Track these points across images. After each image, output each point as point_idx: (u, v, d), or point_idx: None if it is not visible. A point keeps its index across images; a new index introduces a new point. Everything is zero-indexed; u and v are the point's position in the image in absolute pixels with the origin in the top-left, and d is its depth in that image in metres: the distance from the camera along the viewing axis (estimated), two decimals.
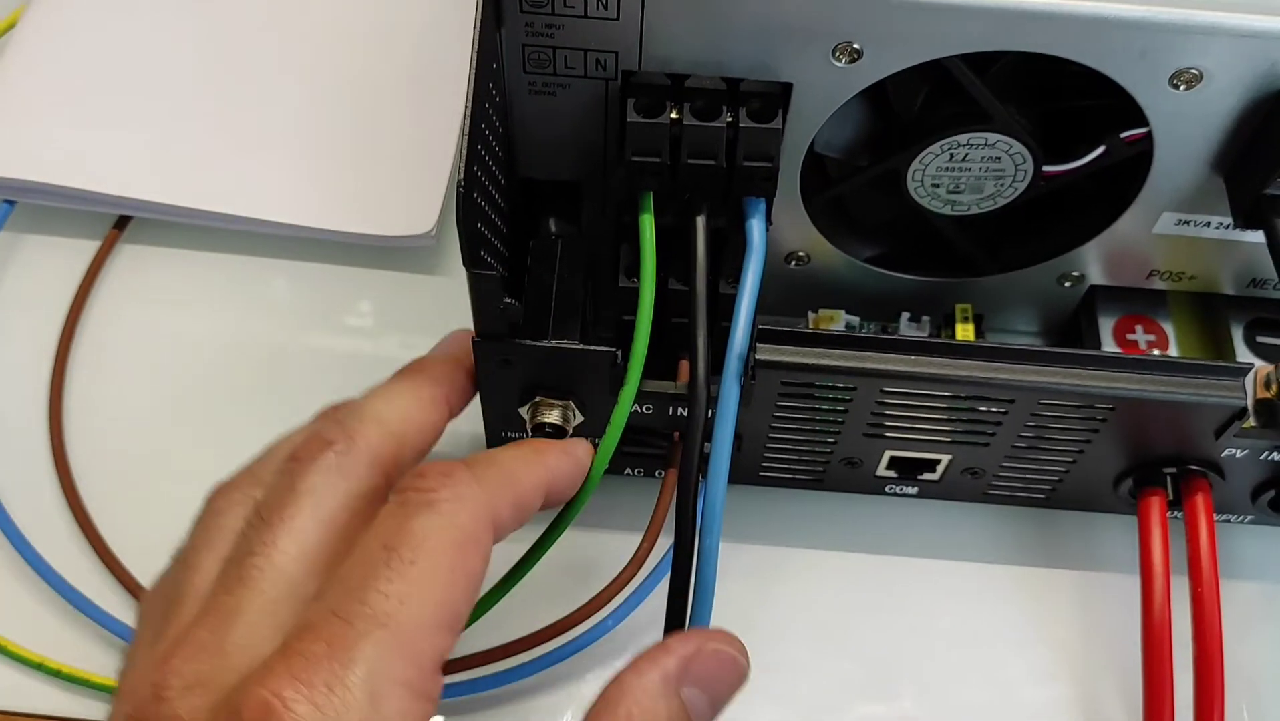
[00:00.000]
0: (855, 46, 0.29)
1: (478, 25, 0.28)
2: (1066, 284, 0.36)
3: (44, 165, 0.41)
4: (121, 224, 0.42)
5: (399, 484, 0.26)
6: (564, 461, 0.29)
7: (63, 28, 0.44)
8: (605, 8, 0.29)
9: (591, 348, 0.31)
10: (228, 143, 0.42)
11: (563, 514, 0.31)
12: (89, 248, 0.42)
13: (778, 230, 0.35)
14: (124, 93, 0.43)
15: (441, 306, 0.41)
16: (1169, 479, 0.34)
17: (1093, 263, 0.36)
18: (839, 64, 0.29)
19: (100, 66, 0.44)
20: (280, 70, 0.44)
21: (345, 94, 0.43)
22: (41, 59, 0.43)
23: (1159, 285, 0.36)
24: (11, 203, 0.42)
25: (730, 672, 0.27)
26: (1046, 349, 0.31)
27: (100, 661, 0.34)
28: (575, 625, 0.33)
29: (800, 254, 0.36)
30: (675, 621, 0.30)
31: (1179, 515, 0.34)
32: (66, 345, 0.40)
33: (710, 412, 0.30)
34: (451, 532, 0.25)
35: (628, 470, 0.36)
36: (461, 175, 0.27)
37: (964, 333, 0.36)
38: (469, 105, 0.27)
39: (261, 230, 0.41)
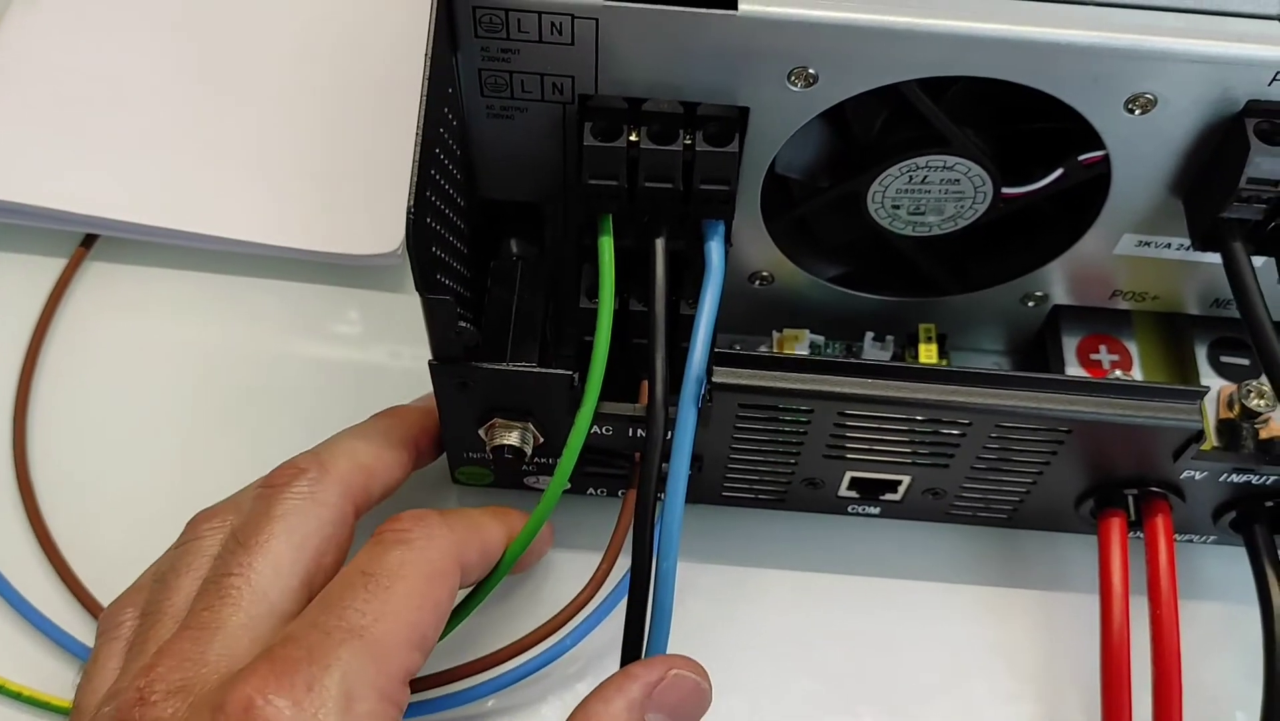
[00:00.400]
0: (810, 71, 0.29)
1: (429, 50, 0.27)
2: (1030, 303, 0.37)
3: (11, 184, 0.41)
4: (89, 242, 0.42)
5: (379, 527, 0.29)
6: (521, 523, 0.31)
7: (31, 47, 0.44)
8: (560, 33, 0.29)
9: (548, 370, 0.31)
10: (195, 161, 0.42)
11: (519, 539, 0.31)
12: (55, 265, 0.42)
13: (741, 250, 0.35)
14: (92, 112, 0.43)
15: (408, 325, 0.41)
16: (1130, 499, 0.34)
17: (1056, 283, 0.36)
18: (795, 88, 0.29)
19: (68, 86, 0.44)
20: (247, 89, 0.44)
21: (312, 113, 0.43)
22: (10, 78, 0.43)
23: (1123, 305, 0.37)
24: None
25: (695, 698, 0.28)
26: (1003, 372, 0.31)
27: (60, 682, 0.34)
28: (534, 645, 0.33)
29: (764, 274, 0.36)
30: (633, 643, 0.30)
31: (1140, 535, 0.34)
32: (32, 363, 0.40)
33: (669, 434, 0.30)
34: (424, 566, 0.27)
35: (590, 490, 0.36)
36: (411, 201, 0.27)
37: (927, 353, 0.36)
38: (420, 130, 0.27)
39: (228, 249, 0.41)
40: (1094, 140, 0.31)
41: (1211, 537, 0.36)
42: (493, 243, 0.35)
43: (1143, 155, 0.31)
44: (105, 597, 0.35)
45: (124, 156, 0.42)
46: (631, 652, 0.30)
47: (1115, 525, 0.33)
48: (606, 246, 0.31)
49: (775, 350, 0.37)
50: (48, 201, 0.41)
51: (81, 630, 0.35)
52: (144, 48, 0.45)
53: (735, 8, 0.28)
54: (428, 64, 0.27)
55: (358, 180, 0.42)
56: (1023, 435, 0.31)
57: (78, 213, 0.41)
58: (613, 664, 0.34)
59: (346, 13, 0.46)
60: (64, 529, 0.37)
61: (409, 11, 0.46)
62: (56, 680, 0.34)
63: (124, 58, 0.44)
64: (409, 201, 0.27)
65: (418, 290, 0.28)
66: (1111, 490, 0.33)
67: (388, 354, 0.40)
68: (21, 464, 0.38)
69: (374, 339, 0.41)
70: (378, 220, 0.41)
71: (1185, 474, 0.32)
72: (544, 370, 0.31)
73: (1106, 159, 0.31)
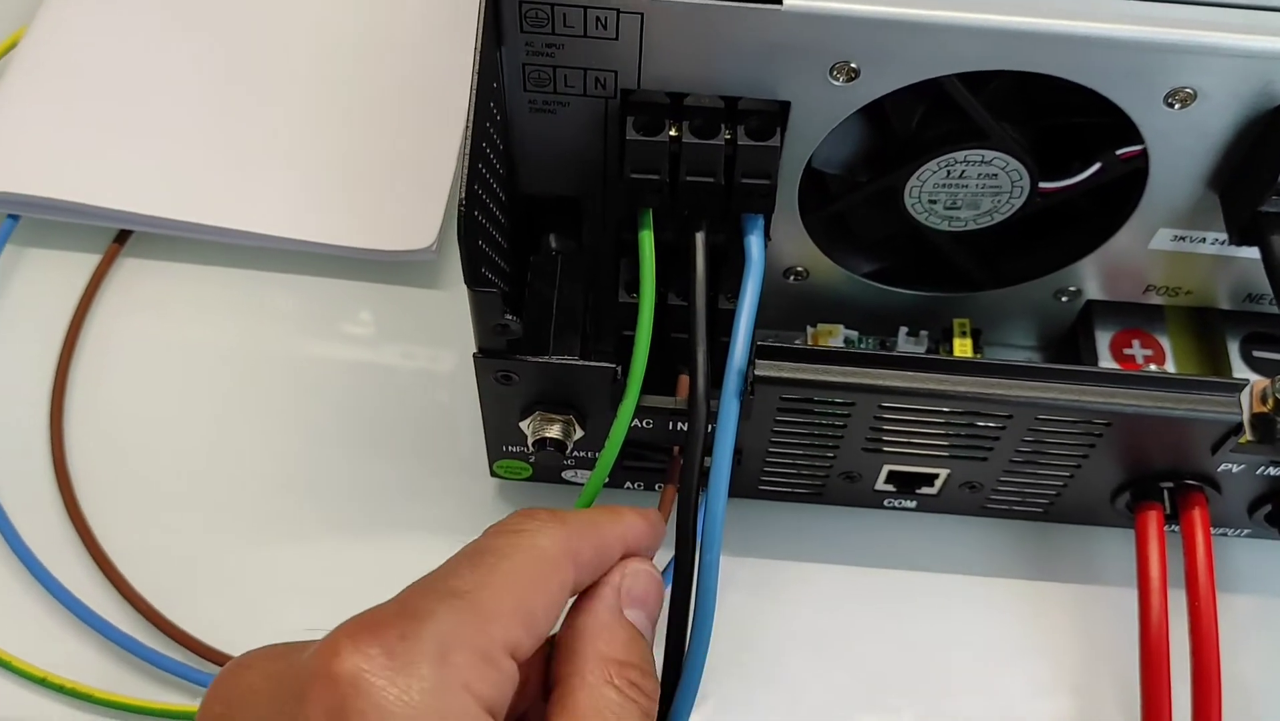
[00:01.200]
0: (853, 66, 0.29)
1: (478, 46, 0.28)
2: (1064, 298, 0.37)
3: (47, 180, 0.41)
4: (122, 238, 0.43)
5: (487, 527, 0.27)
6: (639, 521, 0.29)
7: (65, 45, 0.44)
8: (605, 27, 0.29)
9: (591, 363, 0.31)
10: (229, 157, 0.43)
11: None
12: (90, 261, 0.42)
13: (777, 245, 0.35)
14: (126, 109, 0.43)
15: (442, 319, 0.41)
16: (1166, 493, 0.34)
17: (1090, 278, 0.36)
18: (837, 83, 0.30)
19: (103, 83, 0.44)
20: (281, 85, 0.44)
21: (346, 109, 0.44)
22: (45, 76, 0.44)
23: (1155, 300, 0.37)
24: (15, 217, 0.42)
25: (653, 585, 0.28)
26: (1043, 365, 0.31)
27: (104, 675, 0.35)
28: None
29: (799, 269, 0.36)
30: (676, 635, 0.30)
31: (1176, 528, 0.34)
32: (68, 358, 0.40)
33: (710, 427, 0.30)
34: (533, 550, 0.25)
35: (628, 484, 0.36)
36: (463, 195, 0.27)
37: (962, 347, 0.37)
38: (470, 125, 0.27)
39: (262, 244, 0.42)
40: (1131, 134, 0.31)
41: (1246, 531, 0.36)
42: (530, 237, 0.35)
43: (1181, 149, 0.31)
44: (142, 585, 0.36)
45: (158, 152, 0.43)
46: (676, 646, 0.30)
47: (1153, 518, 0.33)
48: (647, 240, 0.31)
49: (810, 345, 0.37)
50: (83, 197, 0.41)
51: (119, 617, 0.35)
52: (177, 44, 0.45)
53: (780, 2, 0.28)
54: (476, 60, 0.28)
55: (392, 175, 0.42)
56: (1062, 428, 0.32)
57: (112, 208, 0.41)
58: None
59: (374, 7, 0.46)
60: (100, 518, 0.37)
61: (437, 4, 0.46)
62: (99, 674, 0.35)
63: (157, 54, 0.45)
64: (460, 195, 0.27)
65: (466, 283, 0.28)
66: (1148, 483, 0.34)
67: (425, 350, 0.41)
68: (59, 455, 0.38)
69: (409, 335, 0.41)
70: (411, 215, 0.41)
71: (1223, 467, 0.33)
72: (588, 363, 0.31)
73: (1144, 153, 0.31)
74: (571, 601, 0.27)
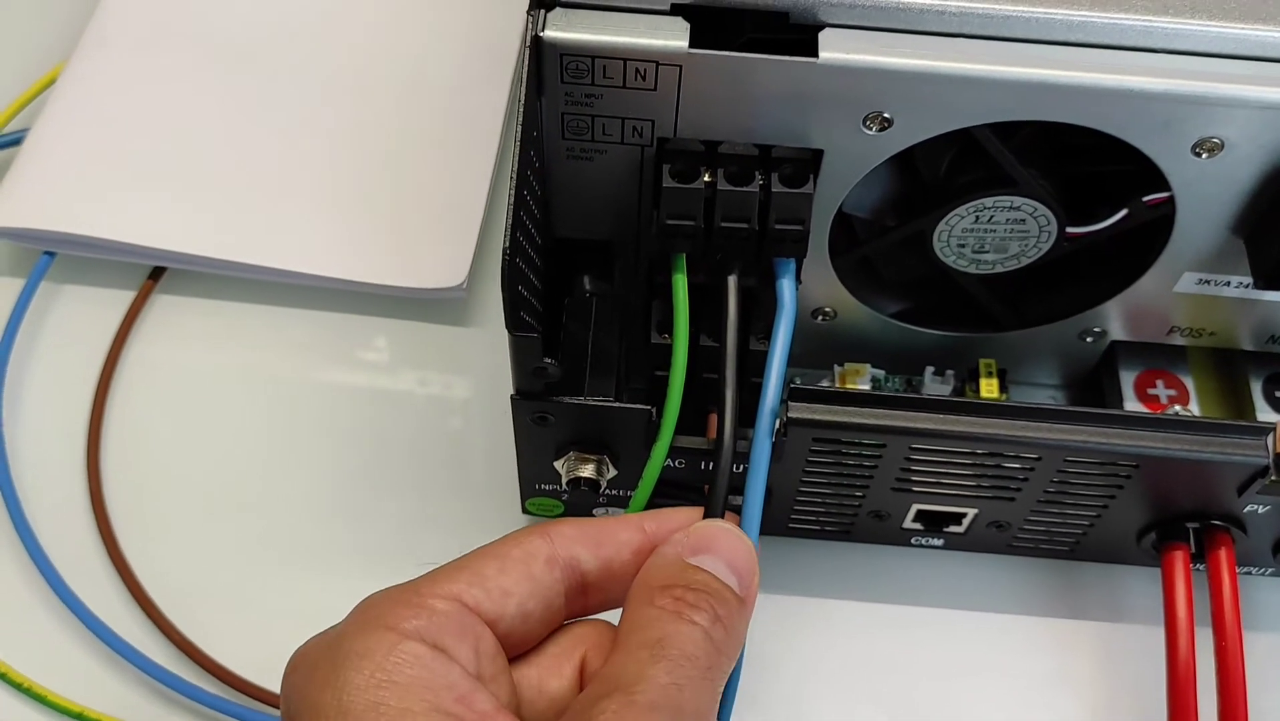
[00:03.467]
0: (886, 116, 0.30)
1: (522, 97, 0.28)
2: (1088, 339, 0.37)
3: (83, 218, 0.42)
4: (156, 274, 0.43)
5: None
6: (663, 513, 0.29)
7: (101, 84, 0.45)
8: (644, 79, 0.30)
9: (627, 405, 0.32)
10: (263, 196, 0.43)
11: None
12: (125, 298, 0.43)
13: (806, 287, 0.35)
14: (161, 147, 0.44)
15: (472, 356, 0.42)
16: (1192, 533, 0.34)
17: (1114, 319, 0.36)
18: (869, 132, 0.30)
19: (137, 122, 0.45)
20: (313, 125, 0.45)
21: (377, 149, 0.44)
22: (80, 114, 0.44)
23: (1179, 341, 0.37)
24: (51, 254, 0.43)
25: (721, 533, 0.28)
26: (1072, 408, 0.31)
27: (140, 709, 0.35)
28: None
29: (827, 309, 0.37)
30: None
31: (1201, 567, 0.34)
32: (103, 393, 0.41)
33: (741, 468, 0.31)
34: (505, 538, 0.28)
35: None
36: (507, 242, 0.27)
37: (988, 387, 0.37)
38: (514, 174, 0.28)
39: (295, 281, 0.42)
40: (1158, 181, 0.32)
41: (1271, 570, 0.37)
42: (563, 279, 0.36)
43: (1207, 197, 0.32)
44: (177, 618, 0.36)
45: (191, 190, 0.43)
46: None
47: (1179, 558, 0.34)
48: (681, 284, 0.32)
49: (838, 384, 0.38)
50: (118, 235, 0.42)
51: (155, 651, 0.36)
52: (210, 83, 0.46)
53: (817, 55, 0.29)
54: (520, 111, 0.28)
55: (422, 213, 0.43)
56: (1089, 470, 0.32)
57: (147, 246, 0.42)
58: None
59: (407, 48, 0.47)
60: (136, 552, 0.38)
61: (469, 46, 0.47)
62: (134, 708, 0.35)
63: (192, 93, 0.45)
64: (505, 244, 0.27)
65: (507, 328, 0.29)
66: (1174, 523, 0.34)
67: (458, 387, 0.41)
68: (96, 489, 0.39)
69: (442, 372, 0.42)
70: (442, 254, 0.42)
71: (1248, 508, 0.33)
72: (623, 405, 0.32)
73: (1171, 200, 0.32)
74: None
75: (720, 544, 0.28)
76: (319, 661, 0.25)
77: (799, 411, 0.31)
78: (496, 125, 0.45)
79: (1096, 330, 0.37)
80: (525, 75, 0.29)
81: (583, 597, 0.29)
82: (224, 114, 0.45)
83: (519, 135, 0.28)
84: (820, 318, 0.37)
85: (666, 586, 0.26)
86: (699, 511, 0.29)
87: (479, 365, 0.42)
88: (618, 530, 0.29)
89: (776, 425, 0.31)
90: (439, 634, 0.26)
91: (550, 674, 0.28)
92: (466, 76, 0.46)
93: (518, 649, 0.28)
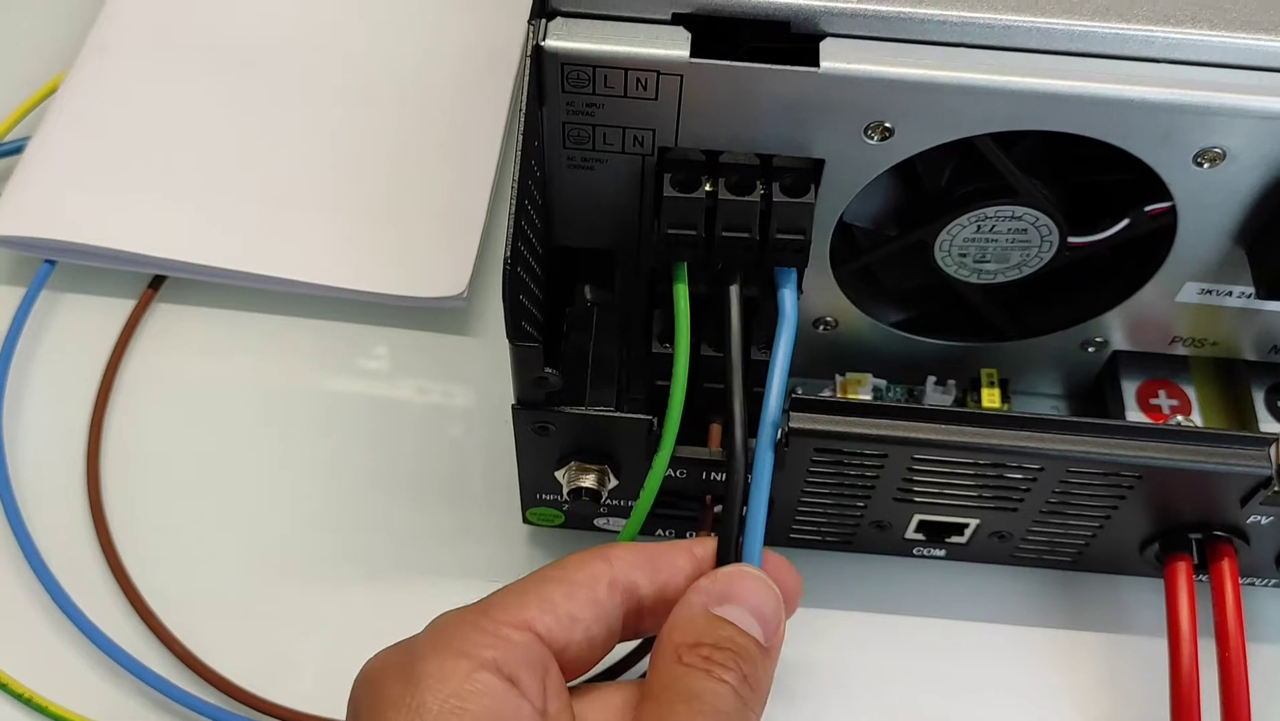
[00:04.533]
0: (887, 125, 0.30)
1: (523, 106, 0.28)
2: (1090, 349, 0.37)
3: (83, 226, 0.42)
4: (156, 283, 0.43)
5: None
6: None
7: (102, 92, 0.45)
8: (645, 88, 0.29)
9: (628, 415, 0.32)
10: (263, 205, 0.43)
11: None
12: (125, 306, 0.43)
13: (807, 296, 0.35)
14: (162, 156, 0.44)
15: (472, 365, 0.42)
16: (1194, 543, 0.34)
17: (1116, 329, 0.36)
18: (871, 141, 0.30)
19: (138, 130, 0.45)
20: (313, 133, 0.45)
21: (378, 157, 0.44)
22: (81, 123, 0.44)
23: (1181, 351, 0.37)
24: (52, 262, 0.43)
25: (746, 579, 0.28)
26: (1075, 419, 0.31)
27: (139, 719, 0.35)
28: None
29: (828, 319, 0.37)
30: None
31: (1204, 578, 0.34)
32: (103, 402, 0.41)
33: (746, 478, 0.31)
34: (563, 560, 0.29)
35: (659, 531, 0.37)
36: (508, 252, 0.27)
37: (990, 397, 0.37)
38: (516, 183, 0.28)
39: (295, 290, 0.42)
40: (1160, 191, 0.32)
41: (1274, 580, 0.36)
42: (564, 287, 0.35)
43: (1209, 206, 0.32)
44: (177, 628, 0.36)
45: (191, 199, 0.43)
46: None
47: (1182, 569, 0.34)
48: (682, 294, 0.32)
49: (839, 394, 0.38)
50: (118, 243, 0.42)
51: (156, 661, 0.36)
52: (211, 92, 0.46)
53: (818, 65, 0.29)
54: (521, 120, 0.28)
55: (423, 222, 0.43)
56: (1092, 480, 0.32)
57: (147, 254, 0.42)
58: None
59: (408, 56, 0.47)
60: (137, 562, 0.37)
61: (470, 55, 0.47)
62: (131, 714, 0.35)
63: (190, 101, 0.45)
64: (505, 253, 0.27)
65: (508, 338, 0.29)
66: (1177, 534, 0.34)
67: (460, 395, 0.41)
68: (95, 499, 0.38)
69: (443, 380, 0.41)
70: (443, 263, 0.42)
71: (1251, 518, 0.33)
72: (625, 415, 0.32)
73: (1173, 210, 0.32)
74: None
75: (746, 592, 0.28)
76: (392, 678, 0.25)
77: (801, 422, 0.31)
78: (497, 134, 0.45)
79: (1098, 340, 0.37)
80: (526, 84, 0.29)
81: (636, 622, 0.29)
82: (225, 122, 0.45)
83: (520, 144, 0.28)
84: (821, 327, 0.37)
85: (695, 645, 0.27)
86: (683, 550, 0.30)
87: (479, 374, 0.42)
88: (674, 556, 0.29)
89: (778, 436, 0.31)
90: (513, 666, 0.26)
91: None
92: (467, 85, 0.46)
93: (577, 673, 0.28)
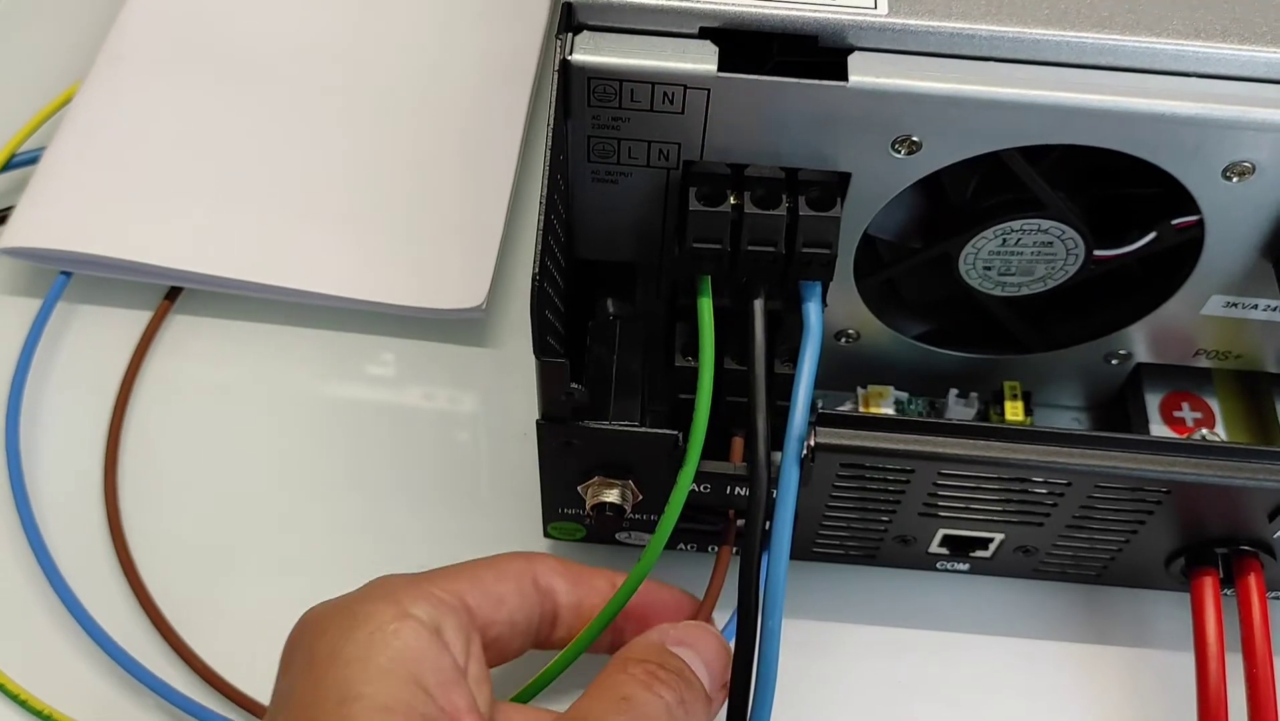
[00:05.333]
0: (915, 139, 0.30)
1: (551, 121, 0.28)
2: (1113, 361, 0.37)
3: (99, 238, 0.42)
4: (173, 295, 0.43)
5: None
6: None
7: (117, 103, 0.45)
8: (671, 102, 0.29)
9: (653, 430, 0.31)
10: (280, 216, 0.43)
11: (617, 595, 0.31)
12: (141, 318, 0.43)
13: (829, 309, 0.35)
14: (177, 166, 0.44)
15: (489, 377, 0.42)
16: (1220, 558, 0.34)
17: (1140, 342, 0.36)
18: (898, 155, 0.30)
19: (154, 141, 0.44)
20: (329, 144, 0.45)
21: (395, 167, 0.44)
22: (96, 134, 0.44)
23: (1205, 363, 0.37)
24: (68, 274, 0.43)
25: (703, 632, 0.30)
26: (1103, 434, 0.31)
27: None
28: None
29: (850, 331, 0.37)
30: (738, 701, 0.30)
31: (1229, 592, 0.34)
32: (120, 415, 0.40)
33: (771, 493, 0.30)
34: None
35: (681, 545, 0.37)
36: (535, 267, 0.27)
37: (1013, 410, 0.37)
38: (543, 198, 0.28)
39: (312, 302, 0.42)
40: (1187, 204, 0.31)
41: None
42: (584, 301, 0.35)
43: (1237, 220, 0.31)
44: (197, 644, 0.36)
45: (207, 210, 0.43)
46: (738, 709, 0.30)
47: (1208, 584, 0.33)
48: (706, 307, 0.32)
49: (861, 407, 0.37)
50: (134, 255, 0.42)
51: (176, 678, 0.35)
52: (226, 103, 0.46)
53: (846, 79, 0.28)
54: (549, 135, 0.28)
55: (441, 234, 0.43)
56: (1120, 495, 0.32)
57: (163, 266, 0.42)
58: None
59: (425, 67, 0.47)
60: (155, 575, 0.37)
61: (487, 66, 0.47)
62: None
63: (206, 112, 0.45)
64: (534, 269, 0.27)
65: (535, 353, 0.29)
66: (1203, 548, 0.34)
67: (476, 407, 0.41)
68: (113, 512, 0.38)
69: (463, 392, 0.41)
70: (461, 275, 0.42)
71: (1279, 533, 0.33)
72: (650, 430, 0.31)
73: (1200, 223, 0.32)
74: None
75: (702, 643, 0.30)
76: (325, 617, 0.28)
77: (827, 437, 0.31)
78: (514, 145, 0.45)
79: (1122, 353, 0.37)
80: (553, 99, 0.28)
81: (550, 629, 0.31)
82: (240, 133, 0.45)
83: (547, 158, 0.28)
84: (843, 340, 0.37)
85: (642, 660, 0.29)
86: (672, 591, 0.33)
87: (496, 385, 0.41)
88: (594, 577, 0.32)
89: (804, 451, 0.31)
90: (439, 621, 0.28)
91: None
92: (484, 97, 0.46)
93: (497, 656, 0.30)
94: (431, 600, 0.28)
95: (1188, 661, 0.33)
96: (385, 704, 0.25)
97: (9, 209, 0.43)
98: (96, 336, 0.42)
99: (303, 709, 0.26)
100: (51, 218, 0.42)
